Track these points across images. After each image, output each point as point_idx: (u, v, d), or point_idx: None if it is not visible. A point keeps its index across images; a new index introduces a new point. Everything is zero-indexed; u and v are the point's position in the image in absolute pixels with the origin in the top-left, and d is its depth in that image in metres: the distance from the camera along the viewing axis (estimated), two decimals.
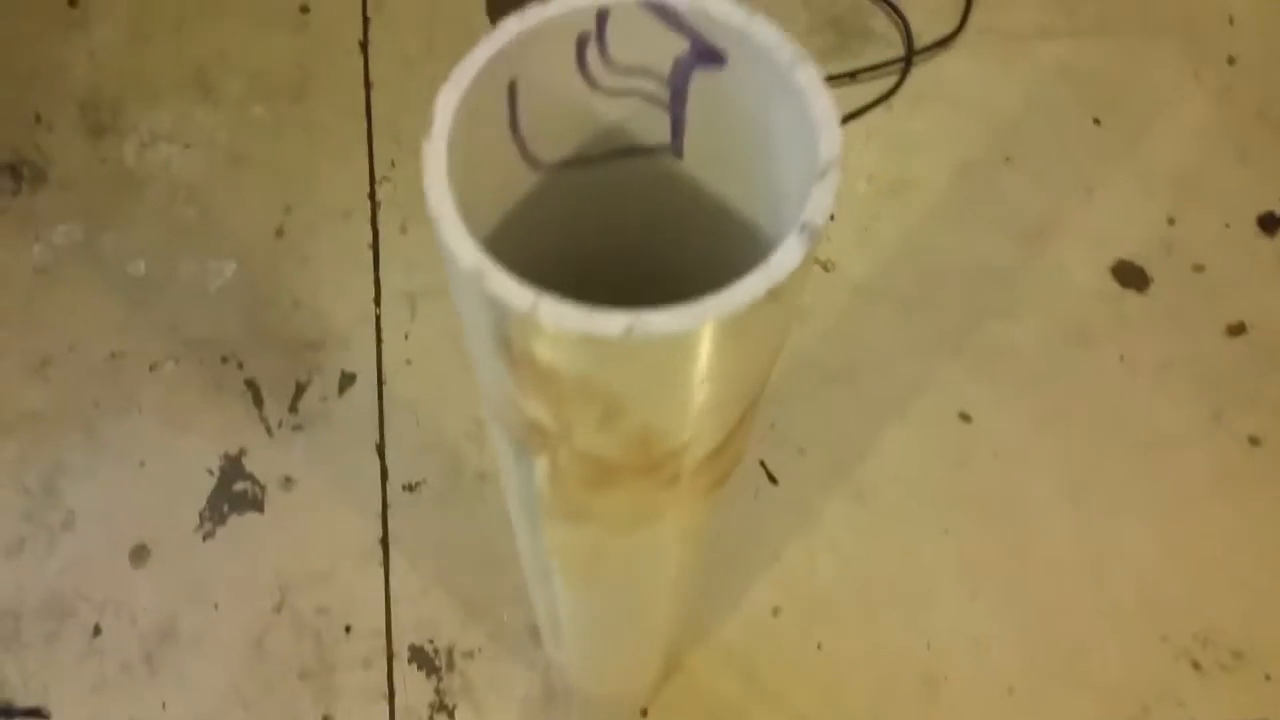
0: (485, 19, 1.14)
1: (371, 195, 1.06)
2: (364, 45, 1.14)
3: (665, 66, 0.26)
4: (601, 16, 0.24)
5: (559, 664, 0.73)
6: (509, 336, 0.23)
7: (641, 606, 0.47)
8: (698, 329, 0.22)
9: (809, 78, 0.24)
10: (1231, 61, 1.13)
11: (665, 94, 0.27)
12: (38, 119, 1.09)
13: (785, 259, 0.22)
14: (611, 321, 0.21)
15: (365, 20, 1.15)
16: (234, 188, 1.06)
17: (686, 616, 0.60)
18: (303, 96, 1.11)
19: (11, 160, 1.08)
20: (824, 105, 0.23)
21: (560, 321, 0.22)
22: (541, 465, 0.30)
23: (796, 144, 0.24)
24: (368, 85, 1.12)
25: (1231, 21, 1.15)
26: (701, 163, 0.29)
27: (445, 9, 1.15)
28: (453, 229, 0.22)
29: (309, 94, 1.12)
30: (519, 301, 0.22)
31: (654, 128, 0.28)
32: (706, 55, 0.25)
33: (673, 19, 0.24)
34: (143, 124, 1.09)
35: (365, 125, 1.10)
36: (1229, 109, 1.10)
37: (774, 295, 0.22)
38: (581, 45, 0.25)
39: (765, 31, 0.24)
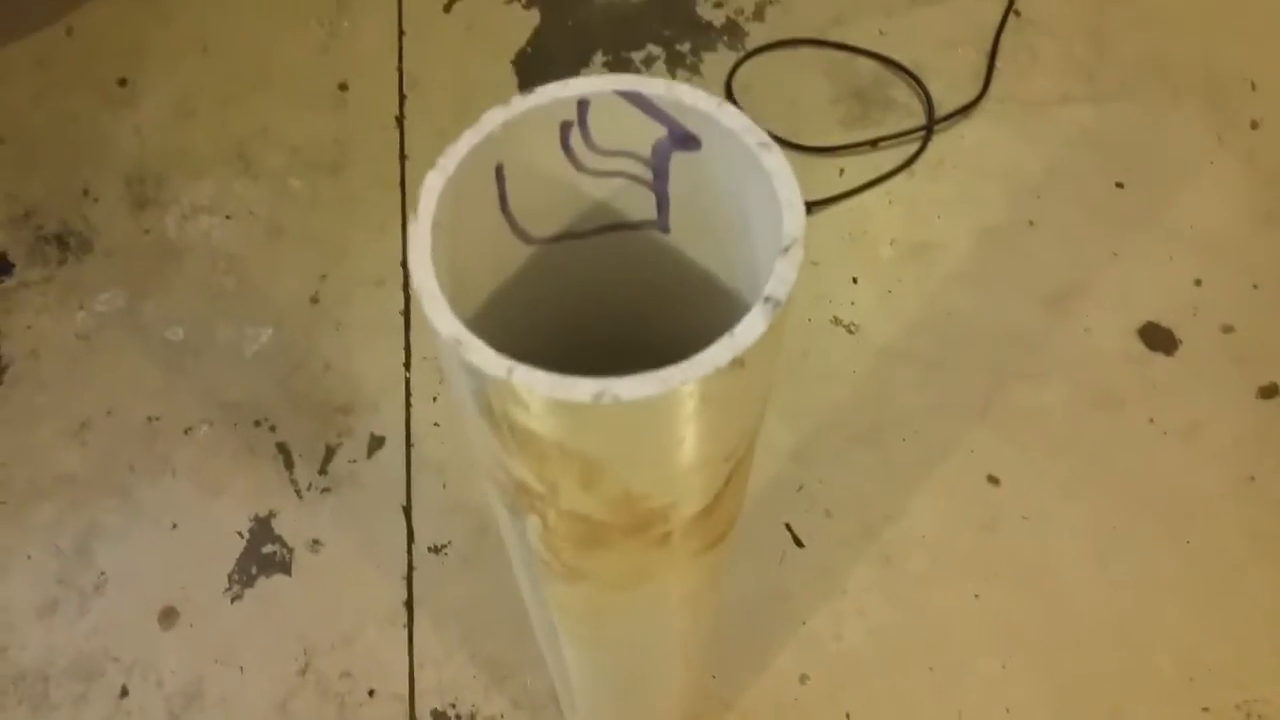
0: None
1: (405, 264, 1.09)
2: (400, 121, 1.18)
3: (646, 149, 0.27)
4: (582, 105, 0.26)
5: None
6: (489, 402, 0.24)
7: (650, 669, 0.47)
8: (664, 395, 0.23)
9: (775, 161, 0.25)
10: (1255, 126, 1.13)
11: (648, 174, 0.28)
12: (85, 192, 1.14)
13: (749, 330, 0.23)
14: (581, 388, 0.22)
15: (402, 97, 1.19)
16: (272, 257, 1.10)
17: (700, 682, 0.60)
18: (340, 170, 1.15)
19: (59, 231, 1.12)
20: (789, 186, 0.25)
21: (533, 387, 0.23)
22: (533, 525, 0.31)
23: (768, 221, 0.25)
24: (403, 159, 1.16)
25: (1254, 87, 1.15)
26: (686, 236, 0.30)
27: (479, 86, 1.19)
28: (433, 303, 0.24)
29: (346, 168, 1.15)
30: (494, 369, 0.23)
31: (639, 205, 0.29)
32: (682, 139, 0.26)
33: (648, 107, 0.26)
34: (185, 196, 1.14)
35: (400, 197, 1.14)
36: (1253, 172, 1.10)
37: (739, 364, 0.23)
38: (565, 131, 0.27)
39: (734, 118, 0.25)
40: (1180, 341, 1.01)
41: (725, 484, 0.30)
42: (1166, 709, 0.84)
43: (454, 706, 0.85)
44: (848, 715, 0.84)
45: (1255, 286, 1.04)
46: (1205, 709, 0.84)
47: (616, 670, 0.47)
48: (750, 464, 0.32)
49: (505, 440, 0.26)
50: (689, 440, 0.25)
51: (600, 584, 0.35)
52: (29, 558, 0.94)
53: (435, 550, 0.93)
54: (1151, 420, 0.97)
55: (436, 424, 0.99)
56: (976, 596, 0.89)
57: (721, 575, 0.41)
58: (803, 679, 0.86)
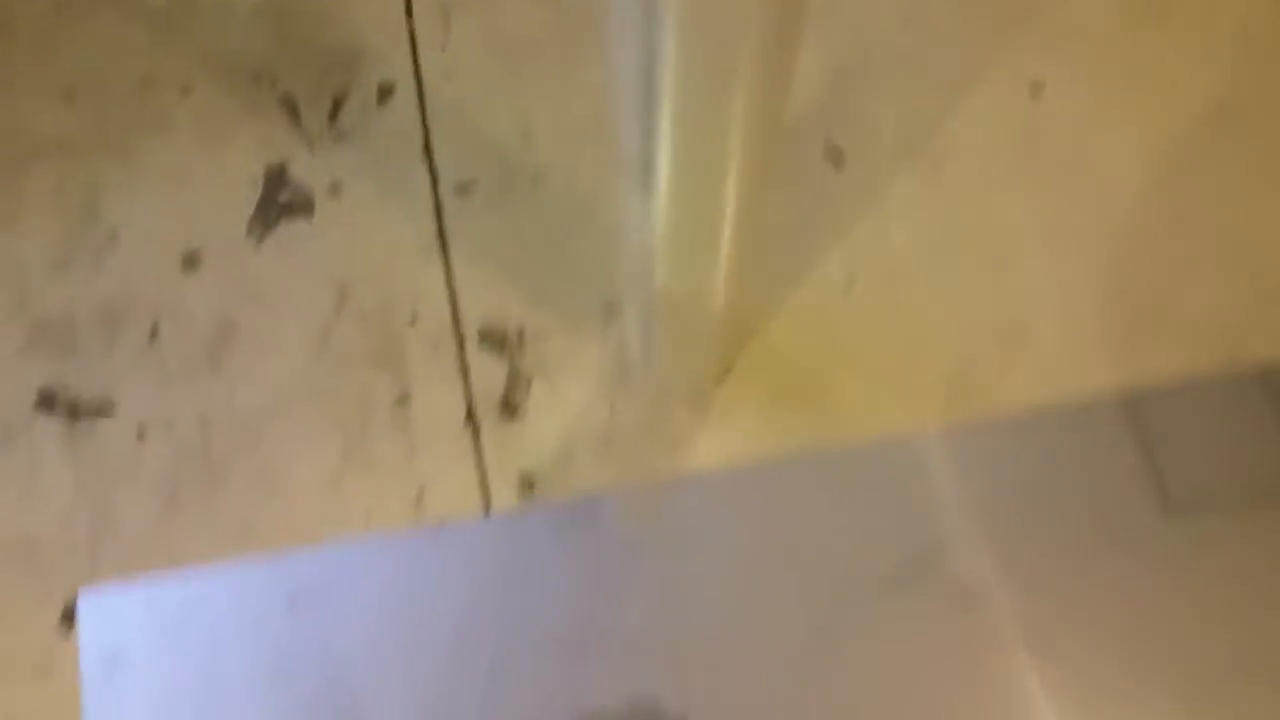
0: None
1: None
2: None
3: None
4: None
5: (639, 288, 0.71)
6: None
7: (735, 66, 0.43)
8: None
9: None
10: None
11: None
12: None
13: None
14: None
15: None
16: None
17: (765, 168, 0.57)
18: None
19: None
20: None
21: None
22: None
23: None
24: None
25: None
26: None
27: None
28: None
29: None
30: None
31: None
32: None
33: None
34: None
35: None
36: None
37: None
38: None
39: None
40: None
41: None
42: (1215, 281, 0.84)
43: (500, 323, 0.83)
44: (897, 308, 0.83)
45: None
46: (1253, 277, 0.84)
47: (707, 61, 0.43)
48: None
49: None
50: None
51: None
52: (33, 221, 0.89)
53: (462, 190, 0.89)
54: (1196, 28, 0.93)
55: (448, 71, 0.93)
56: (1025, 196, 0.87)
57: None
58: (850, 279, 0.84)
